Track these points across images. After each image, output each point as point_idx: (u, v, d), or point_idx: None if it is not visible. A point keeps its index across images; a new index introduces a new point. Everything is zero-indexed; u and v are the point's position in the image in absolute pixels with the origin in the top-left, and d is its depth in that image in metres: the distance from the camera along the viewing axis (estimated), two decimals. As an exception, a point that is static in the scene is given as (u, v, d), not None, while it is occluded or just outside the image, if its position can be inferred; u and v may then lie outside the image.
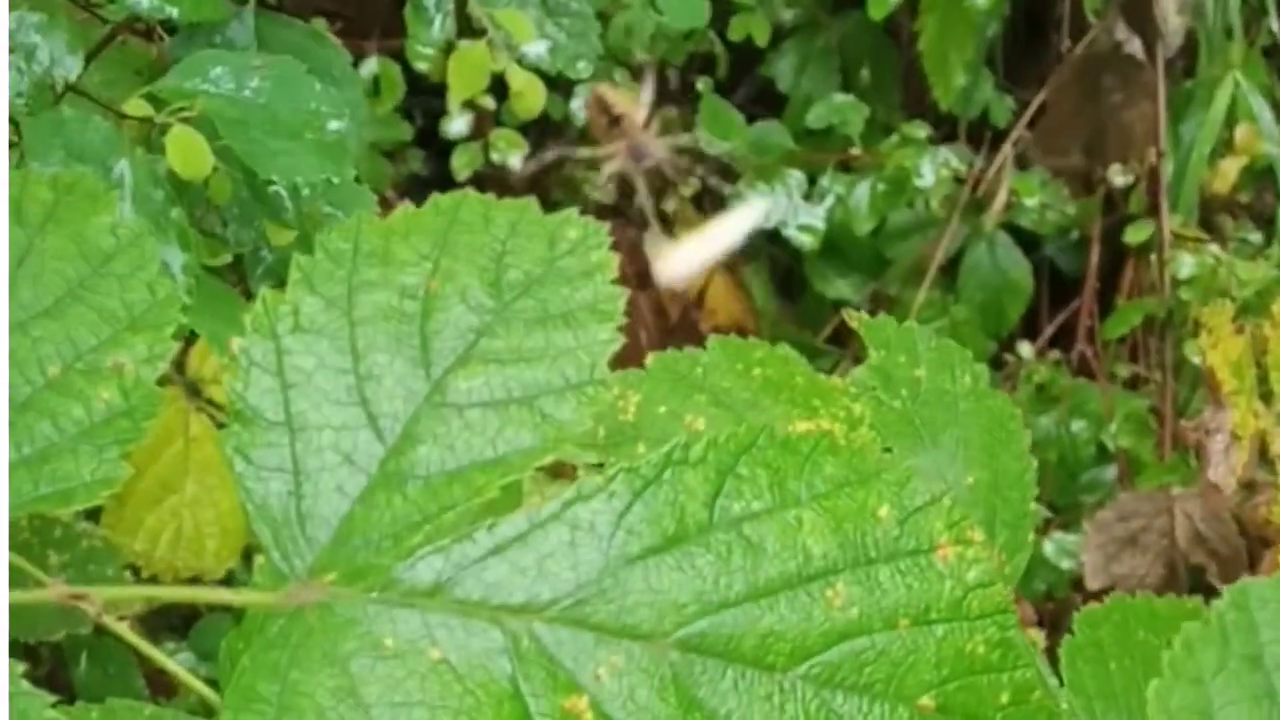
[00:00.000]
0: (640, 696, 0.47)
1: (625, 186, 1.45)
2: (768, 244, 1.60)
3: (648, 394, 0.68)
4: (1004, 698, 0.48)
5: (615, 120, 0.78)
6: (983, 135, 1.62)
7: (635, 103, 0.77)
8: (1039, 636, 0.88)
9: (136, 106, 0.68)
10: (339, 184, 0.70)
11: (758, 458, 0.49)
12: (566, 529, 0.48)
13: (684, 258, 0.70)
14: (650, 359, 0.69)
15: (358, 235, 0.51)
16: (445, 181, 1.47)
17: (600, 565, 0.48)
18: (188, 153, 0.66)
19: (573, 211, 0.52)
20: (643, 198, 0.73)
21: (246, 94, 0.67)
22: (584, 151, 0.76)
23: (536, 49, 0.90)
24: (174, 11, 0.69)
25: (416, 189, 1.57)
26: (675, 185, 1.40)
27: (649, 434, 0.68)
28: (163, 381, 1.00)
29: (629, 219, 1.56)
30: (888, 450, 0.69)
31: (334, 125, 0.68)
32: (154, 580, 1.04)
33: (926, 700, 0.47)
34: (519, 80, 0.88)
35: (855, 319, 0.73)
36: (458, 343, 0.50)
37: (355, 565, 0.48)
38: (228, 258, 0.73)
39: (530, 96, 0.89)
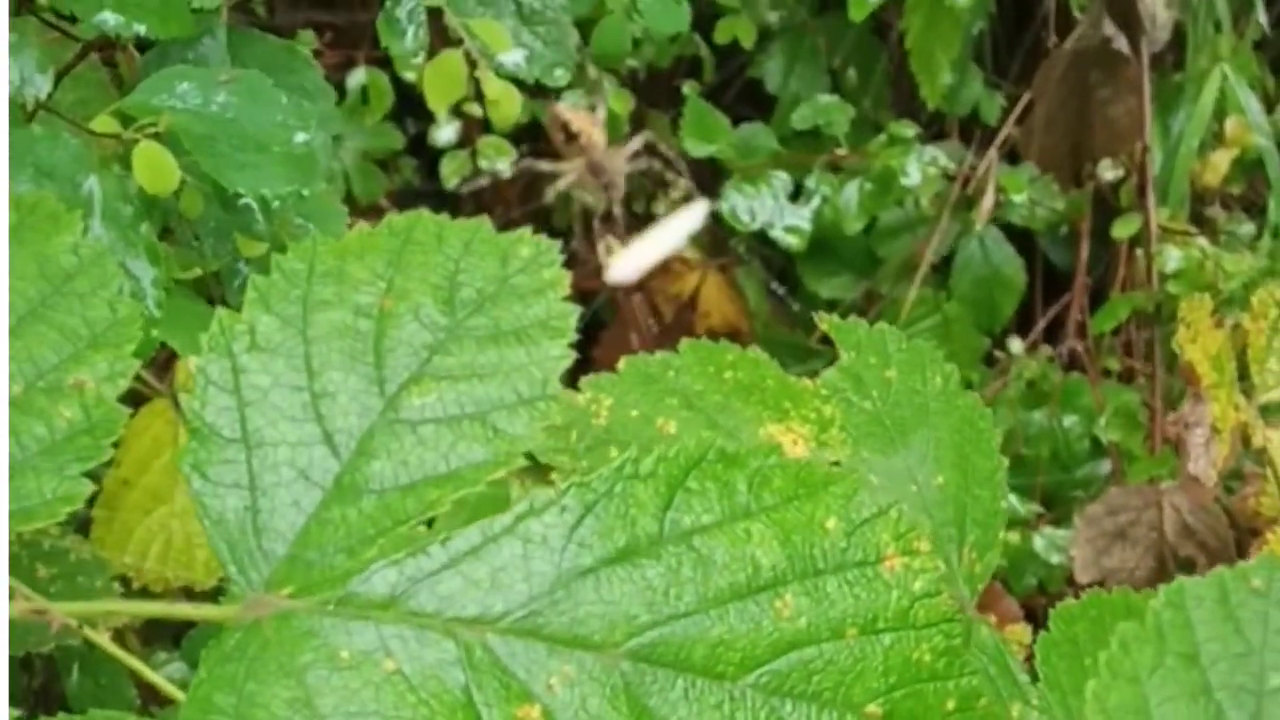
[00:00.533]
0: (592, 706, 0.47)
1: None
2: (760, 245, 1.61)
3: (620, 398, 0.69)
4: (950, 705, 0.49)
5: (573, 138, 0.79)
6: (975, 132, 1.63)
7: (593, 120, 0.78)
8: (1025, 632, 0.89)
9: (104, 123, 0.69)
10: (310, 196, 0.71)
11: (707, 471, 0.49)
12: (519, 542, 0.49)
13: (630, 259, 0.72)
14: (622, 363, 0.70)
15: (313, 255, 0.52)
16: (439, 189, 1.48)
17: (552, 577, 0.48)
18: (154, 168, 0.66)
19: (525, 230, 0.53)
20: (604, 211, 0.74)
21: (213, 108, 0.68)
22: (545, 165, 0.77)
23: (513, 58, 0.91)
24: (142, 29, 0.70)
25: (410, 197, 1.58)
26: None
27: (621, 438, 0.68)
28: (147, 394, 1.01)
29: (621, 225, 1.57)
30: (857, 451, 0.70)
31: (300, 137, 0.68)
32: (145, 591, 1.05)
33: (874, 708, 0.48)
34: (494, 89, 0.88)
35: (826, 321, 0.73)
36: (411, 360, 0.51)
37: (311, 578, 0.49)
38: (198, 271, 0.74)
39: (506, 105, 0.90)
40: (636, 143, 0.78)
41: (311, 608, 0.48)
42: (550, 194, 0.75)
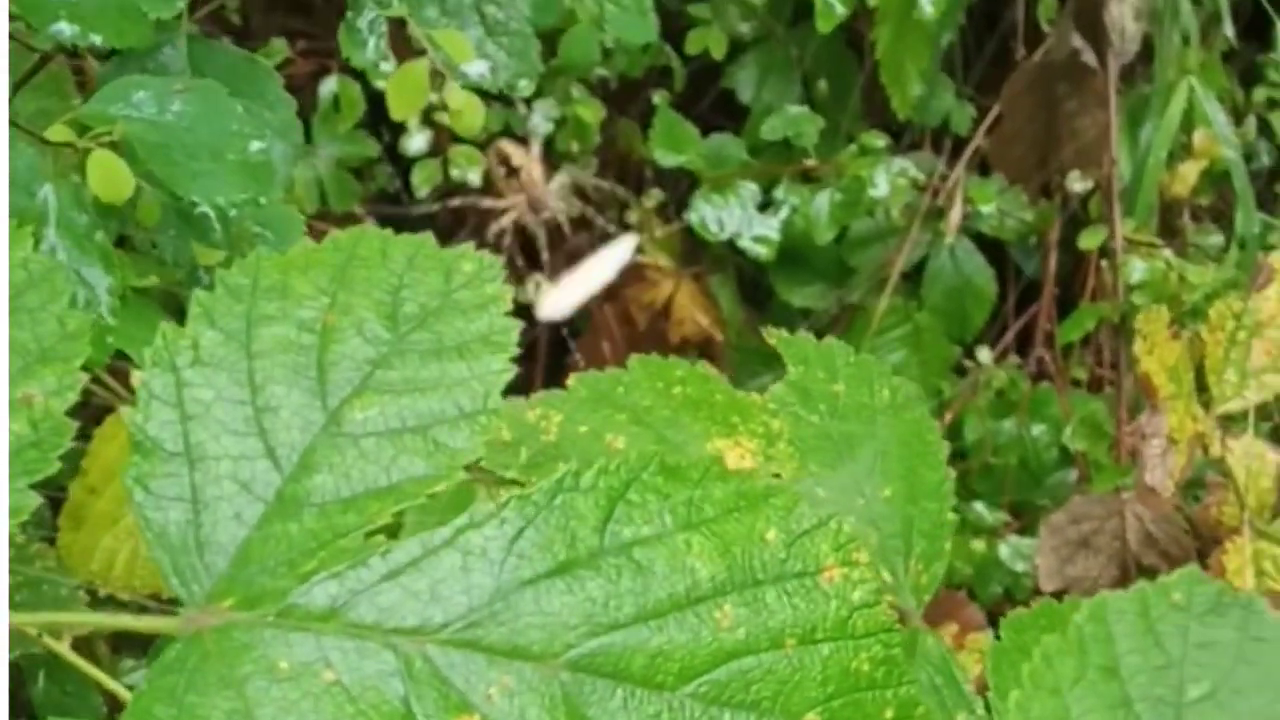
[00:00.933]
0: (531, 716, 0.48)
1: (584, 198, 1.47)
2: (734, 254, 1.61)
3: (569, 414, 0.69)
4: (888, 713, 0.49)
5: (513, 172, 0.80)
6: (947, 143, 1.64)
7: (532, 157, 0.80)
8: (988, 640, 0.89)
9: (59, 132, 0.69)
10: (266, 204, 0.71)
11: (647, 484, 0.50)
12: (459, 554, 0.49)
13: (562, 294, 0.73)
14: (571, 379, 0.71)
15: (257, 270, 0.52)
16: (413, 196, 1.48)
17: (492, 589, 0.49)
18: (108, 176, 0.67)
19: (468, 246, 0.53)
20: (542, 245, 0.76)
21: (168, 118, 0.68)
22: (487, 202, 0.78)
23: (477, 68, 0.91)
24: (98, 39, 0.70)
25: (385, 205, 1.59)
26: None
27: (570, 453, 0.69)
28: (114, 404, 1.01)
29: (592, 232, 1.58)
30: (805, 464, 0.70)
31: (256, 146, 0.68)
32: (112, 599, 1.05)
33: (812, 716, 0.49)
34: (458, 99, 0.89)
35: (774, 336, 0.74)
36: (354, 374, 0.52)
37: (252, 591, 0.49)
38: (155, 279, 0.75)
39: (470, 115, 0.90)
40: (564, 179, 0.79)
41: (252, 620, 0.49)
42: (493, 231, 0.76)
